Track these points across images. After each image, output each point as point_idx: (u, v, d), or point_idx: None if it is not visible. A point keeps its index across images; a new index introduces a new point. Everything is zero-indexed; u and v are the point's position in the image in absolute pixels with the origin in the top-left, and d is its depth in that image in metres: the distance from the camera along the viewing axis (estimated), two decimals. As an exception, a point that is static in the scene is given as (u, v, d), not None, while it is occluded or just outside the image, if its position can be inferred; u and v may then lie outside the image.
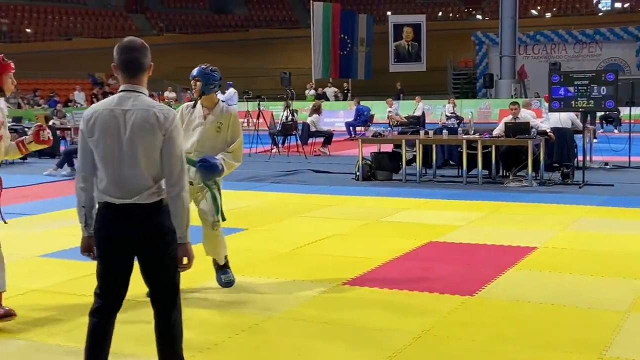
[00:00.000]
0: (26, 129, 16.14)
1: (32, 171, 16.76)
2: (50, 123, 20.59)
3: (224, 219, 6.59)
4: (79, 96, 33.79)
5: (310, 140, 20.51)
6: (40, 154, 19.24)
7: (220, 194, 6.54)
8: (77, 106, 31.46)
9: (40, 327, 5.70)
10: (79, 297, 6.43)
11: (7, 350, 5.31)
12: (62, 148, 18.90)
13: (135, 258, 4.10)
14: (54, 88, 34.53)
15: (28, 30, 47.80)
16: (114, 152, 4.00)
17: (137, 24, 55.32)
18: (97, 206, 4.09)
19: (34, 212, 10.98)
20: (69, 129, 21.02)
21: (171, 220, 4.02)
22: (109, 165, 4.01)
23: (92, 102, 33.70)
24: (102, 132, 4.01)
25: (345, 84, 38.07)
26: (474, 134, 13.92)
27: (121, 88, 4.12)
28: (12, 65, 6.26)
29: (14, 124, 19.50)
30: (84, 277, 6.93)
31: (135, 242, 4.01)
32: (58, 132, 20.60)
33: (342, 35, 37.96)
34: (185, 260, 4.06)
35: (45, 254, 8.22)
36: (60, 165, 16.16)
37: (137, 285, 4.23)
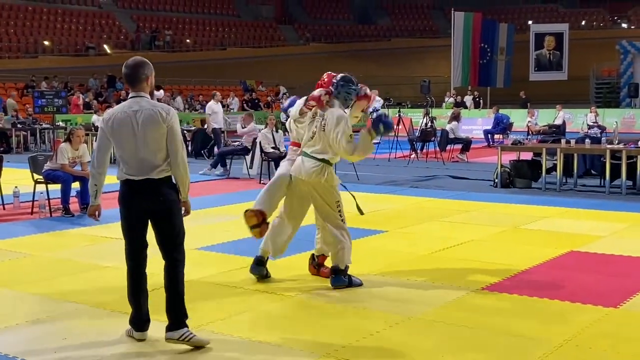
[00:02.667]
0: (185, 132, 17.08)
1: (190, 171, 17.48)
2: (204, 126, 21.49)
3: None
4: (233, 102, 35.08)
5: (448, 147, 20.49)
6: (196, 155, 20.84)
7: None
8: (231, 111, 32.45)
9: (198, 316, 5.98)
10: (234, 288, 6.73)
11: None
12: (216, 150, 19.70)
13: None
14: (210, 94, 36.11)
15: (188, 40, 49.95)
16: (131, 142, 5.14)
17: (285, 35, 56.75)
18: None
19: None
20: (223, 132, 21.72)
21: (175, 189, 5.29)
22: (129, 152, 5.16)
23: (244, 107, 34.66)
24: (120, 128, 5.16)
25: (476, 92, 37.67)
26: (618, 143, 13.55)
27: (130, 95, 5.28)
28: None
29: None
30: (239, 269, 7.27)
31: (149, 205, 5.21)
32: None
33: (482, 44, 37.61)
34: (187, 212, 5.38)
35: (203, 246, 8.65)
36: (214, 166, 16.91)
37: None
